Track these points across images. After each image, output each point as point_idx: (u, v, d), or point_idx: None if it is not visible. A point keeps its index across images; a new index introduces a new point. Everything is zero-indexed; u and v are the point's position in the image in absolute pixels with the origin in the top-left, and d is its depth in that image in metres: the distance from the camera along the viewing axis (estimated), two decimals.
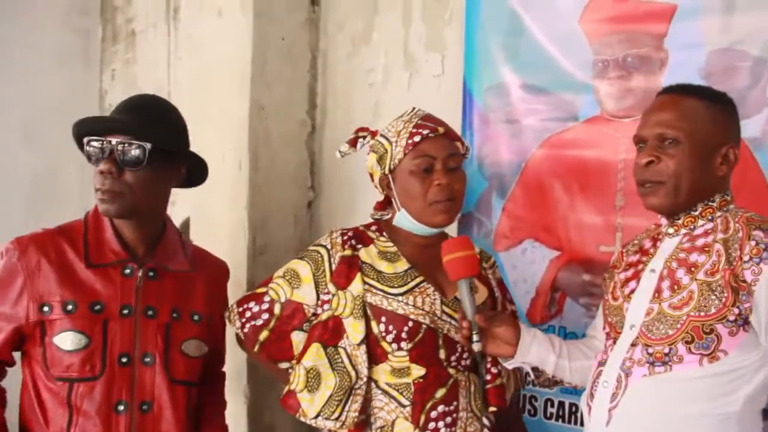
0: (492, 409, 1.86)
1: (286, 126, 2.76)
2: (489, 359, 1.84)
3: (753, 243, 1.49)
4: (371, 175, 1.96)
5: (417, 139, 1.84)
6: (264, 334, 1.91)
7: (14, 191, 3.11)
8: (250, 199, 2.64)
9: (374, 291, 1.83)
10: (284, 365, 1.93)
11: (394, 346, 1.81)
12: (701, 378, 1.50)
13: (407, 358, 1.81)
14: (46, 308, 1.75)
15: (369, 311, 1.82)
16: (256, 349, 1.93)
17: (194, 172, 1.94)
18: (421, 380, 1.82)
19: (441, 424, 1.81)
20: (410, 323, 1.81)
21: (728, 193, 1.61)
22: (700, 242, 1.57)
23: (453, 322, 1.84)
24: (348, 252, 1.88)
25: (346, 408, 1.79)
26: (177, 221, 2.24)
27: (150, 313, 1.82)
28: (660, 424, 1.53)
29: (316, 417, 1.80)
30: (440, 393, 1.82)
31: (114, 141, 1.75)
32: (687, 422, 1.51)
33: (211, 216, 2.68)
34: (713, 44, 1.93)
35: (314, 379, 1.82)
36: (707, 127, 1.56)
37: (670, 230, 1.63)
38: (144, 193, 1.78)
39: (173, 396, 1.82)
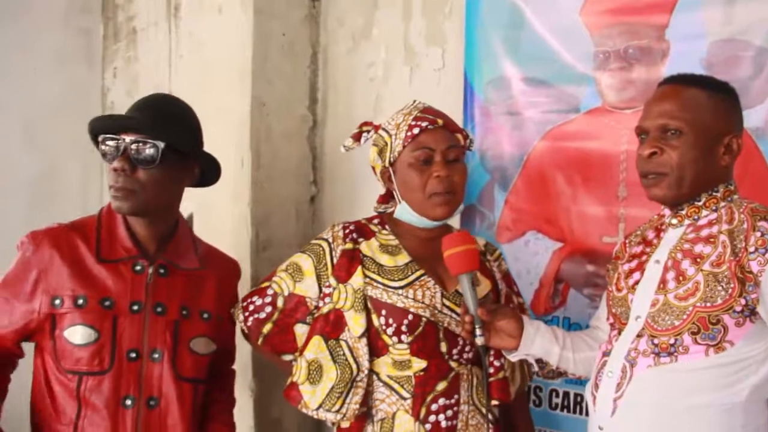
0: (494, 402, 1.86)
1: (287, 122, 2.76)
2: (492, 352, 1.84)
3: (758, 234, 1.49)
4: (373, 169, 1.96)
5: (416, 131, 1.84)
6: (267, 327, 1.91)
7: (14, 191, 3.10)
8: (252, 195, 2.64)
9: (375, 284, 1.83)
10: (288, 357, 1.93)
11: (395, 339, 1.81)
12: (707, 368, 1.50)
13: (408, 351, 1.81)
14: (57, 301, 1.76)
15: (369, 304, 1.82)
16: (259, 341, 1.93)
17: (207, 171, 1.95)
18: (422, 373, 1.82)
19: (442, 416, 1.81)
20: (410, 316, 1.81)
21: (732, 183, 1.61)
22: (704, 233, 1.57)
23: (454, 315, 1.84)
24: (349, 245, 1.88)
25: (348, 400, 1.79)
26: None
27: (159, 309, 1.82)
28: (665, 414, 1.53)
29: (318, 409, 1.80)
30: (441, 386, 1.82)
31: (128, 139, 1.76)
32: (692, 412, 1.51)
33: (215, 212, 2.68)
34: (715, 34, 1.93)
35: (316, 372, 1.82)
36: (710, 117, 1.56)
37: (674, 221, 1.63)
38: (156, 192, 1.79)
39: (180, 392, 1.82)
